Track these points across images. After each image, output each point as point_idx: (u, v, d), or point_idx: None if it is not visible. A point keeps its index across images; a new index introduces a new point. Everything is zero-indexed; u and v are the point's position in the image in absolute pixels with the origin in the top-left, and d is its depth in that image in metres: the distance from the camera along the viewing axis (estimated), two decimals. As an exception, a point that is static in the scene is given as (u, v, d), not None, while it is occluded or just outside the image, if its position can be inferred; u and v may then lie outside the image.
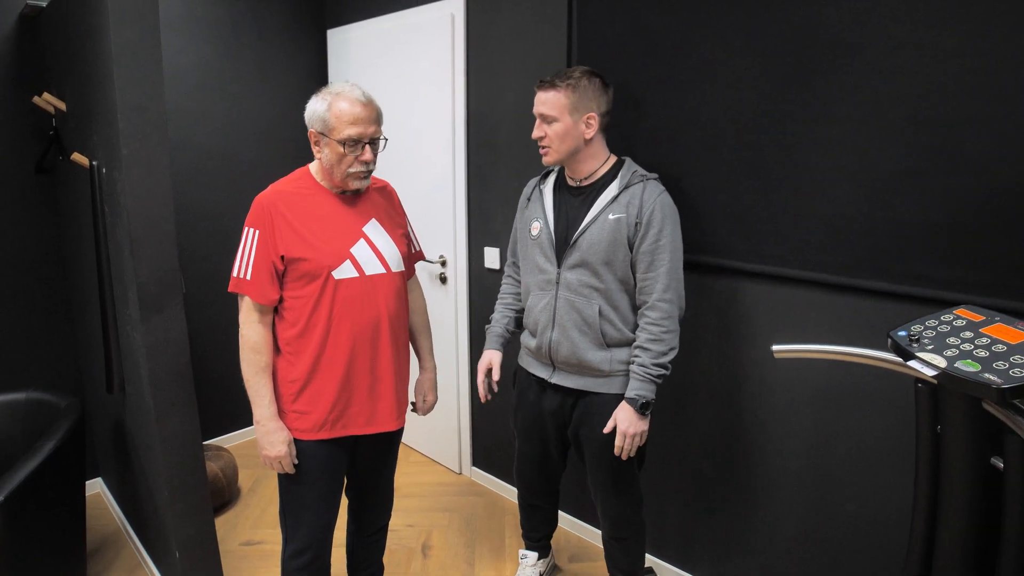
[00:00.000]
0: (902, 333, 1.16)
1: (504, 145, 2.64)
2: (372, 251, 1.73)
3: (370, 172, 1.70)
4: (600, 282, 1.80)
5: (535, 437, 2.06)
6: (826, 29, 1.70)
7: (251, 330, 1.67)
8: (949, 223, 1.57)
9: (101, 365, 2.29)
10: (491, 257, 2.78)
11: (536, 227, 1.92)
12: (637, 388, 1.78)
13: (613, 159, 1.90)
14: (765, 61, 1.82)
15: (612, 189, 1.82)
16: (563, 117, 1.78)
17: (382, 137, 1.70)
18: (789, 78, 1.78)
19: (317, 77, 3.49)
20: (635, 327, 1.85)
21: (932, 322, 1.17)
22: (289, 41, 3.37)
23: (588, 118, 1.79)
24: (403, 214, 1.93)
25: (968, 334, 1.10)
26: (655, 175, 1.85)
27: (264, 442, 1.69)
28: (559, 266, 1.86)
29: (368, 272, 1.71)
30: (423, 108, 2.93)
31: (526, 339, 2.02)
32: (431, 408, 2.04)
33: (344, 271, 1.67)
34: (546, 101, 1.79)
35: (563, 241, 1.86)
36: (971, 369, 1.01)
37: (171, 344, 1.93)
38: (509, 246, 2.15)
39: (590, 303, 1.82)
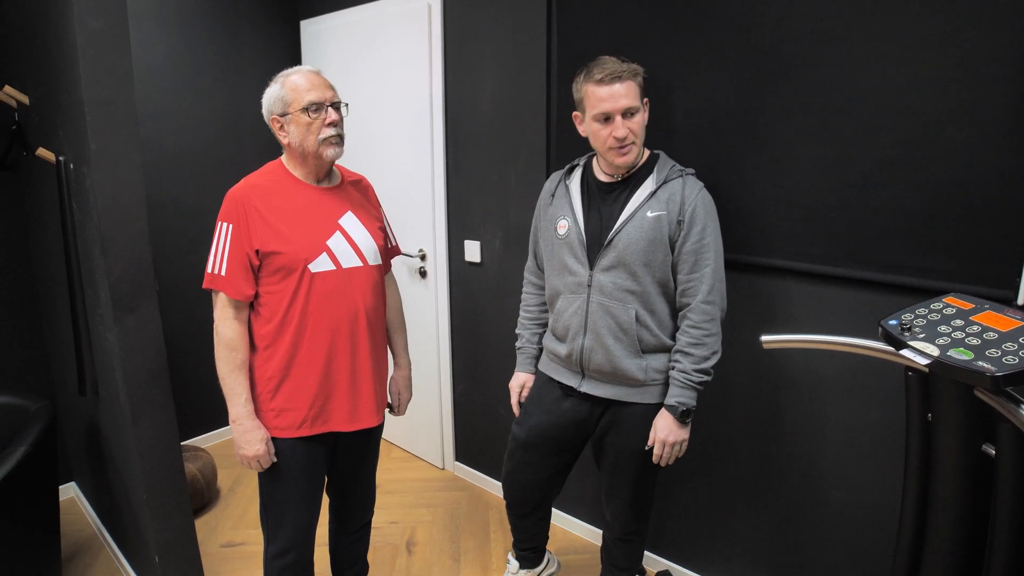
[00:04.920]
0: (893, 322, 1.17)
1: (483, 137, 2.61)
2: (348, 244, 1.70)
3: (341, 137, 1.68)
4: (637, 284, 1.68)
5: (546, 448, 1.91)
6: (805, 20, 1.70)
7: (226, 327, 1.64)
8: (929, 212, 1.58)
9: (73, 367, 2.23)
10: (471, 250, 2.75)
11: (564, 225, 1.78)
12: (677, 395, 1.69)
13: (647, 152, 1.77)
14: (745, 53, 1.81)
15: (649, 184, 1.70)
16: (642, 105, 1.65)
17: (343, 103, 1.69)
18: (769, 70, 1.77)
19: (290, 69, 3.42)
20: (673, 333, 1.75)
21: (922, 311, 1.17)
22: (262, 32, 3.29)
23: (645, 102, 1.68)
24: (379, 208, 1.90)
25: (959, 322, 1.10)
26: (692, 170, 1.74)
27: (241, 441, 1.65)
28: (591, 268, 1.73)
29: (345, 265, 1.68)
30: (400, 100, 2.88)
31: (552, 343, 1.88)
32: (406, 406, 2.02)
33: (320, 264, 1.64)
34: (627, 93, 1.61)
35: (595, 241, 1.73)
36: (964, 357, 1.01)
37: (146, 344, 1.88)
38: (530, 246, 1.99)
39: (626, 308, 1.69)
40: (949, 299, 1.19)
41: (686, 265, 1.68)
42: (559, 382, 1.86)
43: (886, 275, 1.67)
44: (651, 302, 1.70)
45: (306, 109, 1.60)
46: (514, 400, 2.01)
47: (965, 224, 1.54)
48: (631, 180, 1.73)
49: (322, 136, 1.63)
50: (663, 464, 1.75)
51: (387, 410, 1.95)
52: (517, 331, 2.04)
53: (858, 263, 1.72)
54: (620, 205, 1.72)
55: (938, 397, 1.12)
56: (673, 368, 1.72)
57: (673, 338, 1.75)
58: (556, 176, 1.89)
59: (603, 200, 1.75)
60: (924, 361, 1.04)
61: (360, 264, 1.71)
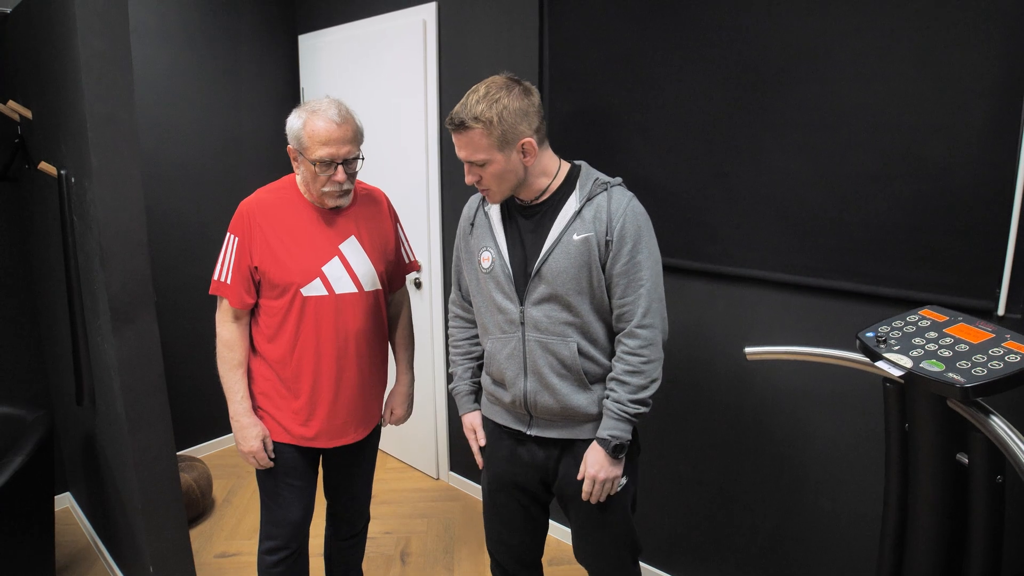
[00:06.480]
0: (870, 334, 1.20)
1: (478, 151, 2.65)
2: (345, 270, 1.72)
3: (346, 191, 1.69)
4: (574, 316, 1.51)
5: (513, 501, 1.70)
6: (789, 38, 1.74)
7: (225, 329, 1.72)
8: (914, 225, 1.62)
9: (70, 377, 2.25)
10: (467, 263, 2.78)
11: (487, 258, 1.59)
12: (610, 427, 1.50)
13: (567, 167, 1.58)
14: (733, 68, 1.85)
15: (572, 203, 1.52)
16: (493, 156, 1.46)
17: (359, 157, 1.68)
18: (755, 85, 1.82)
19: (288, 84, 3.47)
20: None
21: (898, 323, 1.20)
22: (260, 47, 3.34)
23: (523, 145, 1.47)
24: (393, 221, 1.90)
25: (933, 334, 1.14)
26: (618, 179, 1.57)
27: (238, 437, 1.72)
28: (522, 303, 1.55)
29: (338, 291, 1.70)
30: (396, 114, 2.93)
31: (492, 387, 1.68)
32: (400, 421, 1.98)
33: (313, 289, 1.67)
34: (466, 145, 1.47)
35: (521, 272, 1.55)
36: (936, 369, 1.04)
37: (143, 355, 1.91)
38: (453, 276, 1.79)
39: (566, 342, 1.52)
40: (925, 311, 1.22)
41: (618, 288, 1.50)
42: (506, 427, 1.68)
43: (870, 286, 1.71)
44: (591, 331, 1.54)
45: (315, 162, 1.60)
46: (474, 447, 1.76)
47: (947, 236, 1.58)
48: (553, 201, 1.56)
49: (325, 189, 1.65)
50: (593, 501, 1.55)
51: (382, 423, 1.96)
52: (450, 370, 1.83)
53: (843, 275, 1.75)
54: (544, 230, 1.54)
55: (913, 408, 1.15)
56: (607, 397, 1.54)
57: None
58: (475, 201, 1.69)
59: (524, 226, 1.58)
60: (898, 373, 1.08)
61: (355, 291, 1.73)
